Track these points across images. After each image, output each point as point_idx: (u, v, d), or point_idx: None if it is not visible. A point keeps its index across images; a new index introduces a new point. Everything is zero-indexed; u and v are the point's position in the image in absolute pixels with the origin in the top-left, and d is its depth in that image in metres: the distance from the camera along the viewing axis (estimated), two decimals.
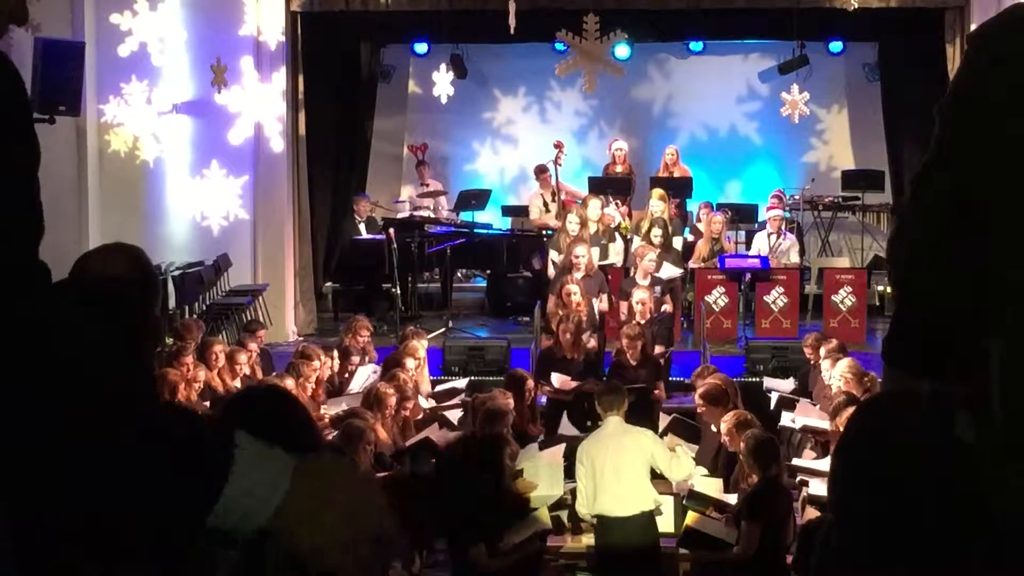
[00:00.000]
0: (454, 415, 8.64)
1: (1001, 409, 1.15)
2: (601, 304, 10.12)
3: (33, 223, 1.54)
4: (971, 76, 1.25)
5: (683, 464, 7.18)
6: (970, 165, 1.20)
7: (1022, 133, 1.18)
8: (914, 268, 1.26)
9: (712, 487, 7.19)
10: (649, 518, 6.68)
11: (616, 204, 13.09)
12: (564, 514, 7.24)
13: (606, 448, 6.76)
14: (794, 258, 12.67)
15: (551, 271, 11.02)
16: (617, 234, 12.29)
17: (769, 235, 12.69)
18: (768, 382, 9.60)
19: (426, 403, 8.99)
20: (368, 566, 1.39)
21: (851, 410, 6.81)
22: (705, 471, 7.39)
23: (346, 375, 9.27)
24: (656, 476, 6.99)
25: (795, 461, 7.66)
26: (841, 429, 6.81)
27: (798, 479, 7.35)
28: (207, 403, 8.03)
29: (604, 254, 11.31)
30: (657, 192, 11.87)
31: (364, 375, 9.08)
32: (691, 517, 6.84)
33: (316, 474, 1.43)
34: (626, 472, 6.68)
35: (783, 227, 12.84)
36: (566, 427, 8.41)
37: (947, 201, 1.22)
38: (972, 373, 1.20)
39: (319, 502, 1.39)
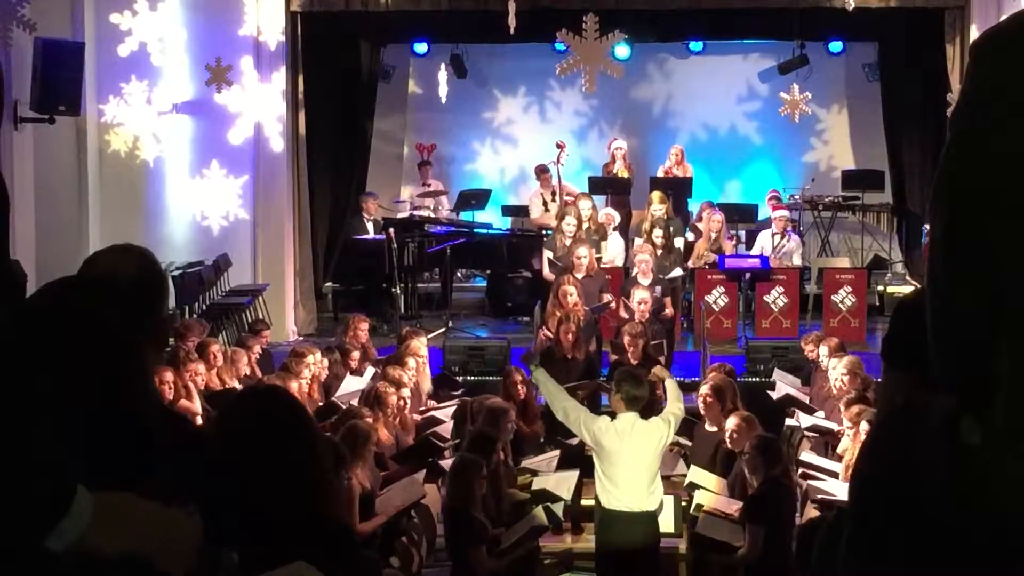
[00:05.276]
0: (447, 414, 8.64)
1: (1008, 410, 1.15)
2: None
3: None
4: (975, 84, 1.25)
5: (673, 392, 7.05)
6: (978, 172, 1.20)
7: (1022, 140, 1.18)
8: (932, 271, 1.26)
9: (711, 483, 7.19)
10: (652, 518, 6.64)
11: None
12: (560, 509, 7.20)
13: (622, 443, 6.52)
14: (796, 260, 12.67)
15: (547, 271, 11.03)
16: (617, 233, 12.30)
17: (773, 235, 12.69)
18: (778, 374, 9.61)
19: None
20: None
21: (858, 408, 6.86)
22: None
23: (348, 374, 9.25)
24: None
25: (802, 457, 7.67)
26: (850, 422, 6.87)
27: (800, 471, 7.37)
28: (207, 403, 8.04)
29: (597, 251, 11.32)
30: (657, 195, 11.88)
31: (362, 382, 8.96)
32: (700, 521, 6.80)
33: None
34: (638, 470, 6.56)
35: (788, 228, 12.84)
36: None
37: (956, 210, 1.23)
38: (976, 376, 1.20)
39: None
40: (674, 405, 6.85)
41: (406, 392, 8.17)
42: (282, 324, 12.32)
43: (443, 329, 12.23)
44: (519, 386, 8.47)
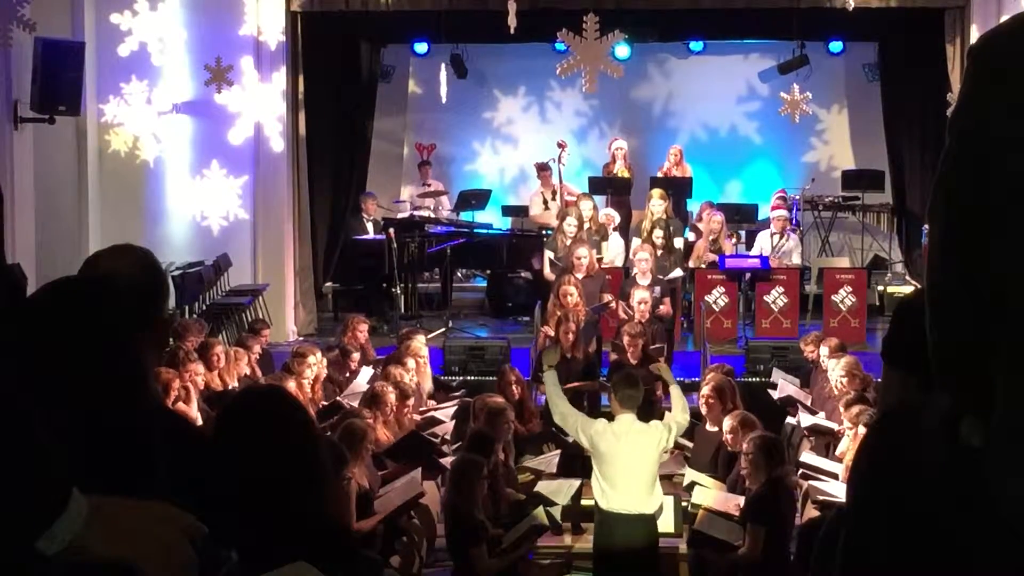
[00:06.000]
0: (447, 414, 8.64)
1: (1007, 411, 1.15)
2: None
3: None
4: (974, 87, 1.25)
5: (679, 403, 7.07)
6: (977, 174, 1.21)
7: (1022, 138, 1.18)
8: (932, 274, 1.27)
9: (709, 484, 7.19)
10: (651, 520, 6.63)
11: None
12: (558, 512, 7.20)
13: (618, 444, 6.56)
14: (796, 260, 12.67)
15: (547, 271, 11.03)
16: (617, 233, 12.29)
17: (772, 235, 12.69)
18: (777, 374, 9.60)
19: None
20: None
21: (858, 408, 6.86)
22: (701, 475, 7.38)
23: (347, 374, 9.25)
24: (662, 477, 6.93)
25: (802, 457, 7.67)
26: (850, 423, 6.86)
27: (800, 472, 7.36)
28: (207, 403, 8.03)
29: (597, 252, 11.32)
30: (658, 192, 11.87)
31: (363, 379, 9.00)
32: (699, 518, 6.80)
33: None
34: (635, 472, 6.57)
35: (787, 228, 12.84)
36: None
37: (955, 211, 1.23)
38: (976, 375, 1.20)
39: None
40: (679, 415, 6.85)
41: (411, 401, 8.17)
42: (282, 324, 12.32)
43: (443, 329, 12.23)
44: (513, 386, 8.48)
